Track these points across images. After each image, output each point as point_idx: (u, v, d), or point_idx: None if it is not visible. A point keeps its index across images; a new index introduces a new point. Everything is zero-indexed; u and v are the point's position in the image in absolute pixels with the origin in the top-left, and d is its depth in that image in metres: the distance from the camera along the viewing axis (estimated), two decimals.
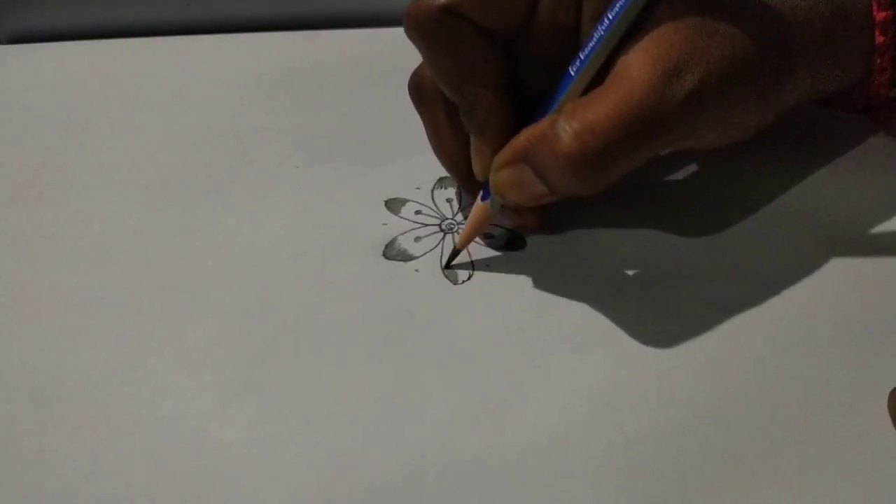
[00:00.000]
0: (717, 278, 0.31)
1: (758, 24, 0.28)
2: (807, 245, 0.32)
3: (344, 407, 0.27)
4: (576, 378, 0.28)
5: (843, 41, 0.30)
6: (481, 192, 0.31)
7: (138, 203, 0.35)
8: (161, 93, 0.41)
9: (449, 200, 0.34)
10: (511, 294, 0.31)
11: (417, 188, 0.35)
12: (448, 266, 0.31)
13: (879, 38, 0.31)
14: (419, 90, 0.32)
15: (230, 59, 0.43)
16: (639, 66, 0.26)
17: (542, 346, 0.29)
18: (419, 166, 0.35)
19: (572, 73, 0.28)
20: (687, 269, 0.31)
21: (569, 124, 0.26)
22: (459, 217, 0.34)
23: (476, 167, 0.31)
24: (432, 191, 0.35)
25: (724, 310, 0.29)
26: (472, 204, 0.31)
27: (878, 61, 0.31)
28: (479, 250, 0.32)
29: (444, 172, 0.34)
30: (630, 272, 0.31)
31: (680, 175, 0.35)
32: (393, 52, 0.41)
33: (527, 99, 0.30)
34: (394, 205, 0.34)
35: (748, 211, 0.33)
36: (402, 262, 0.32)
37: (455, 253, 0.32)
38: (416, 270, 0.32)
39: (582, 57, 0.28)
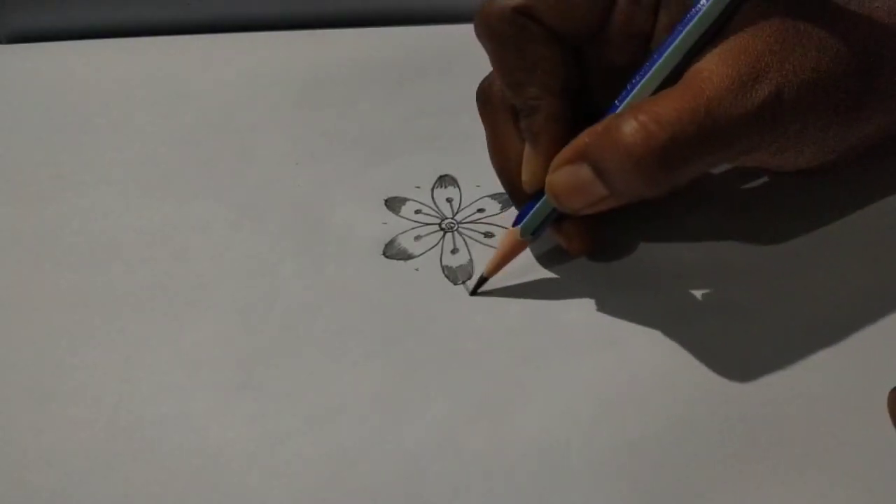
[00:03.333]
0: (717, 279, 0.30)
1: (843, 38, 0.26)
2: (807, 245, 0.31)
3: (344, 406, 0.27)
4: (576, 378, 0.28)
5: None
6: (515, 218, 0.30)
7: (138, 202, 0.35)
8: (161, 92, 0.41)
9: (449, 200, 0.34)
10: (511, 293, 0.31)
11: (417, 187, 0.35)
12: (474, 293, 0.30)
13: None
14: (486, 96, 0.31)
15: (230, 58, 0.43)
16: (713, 70, 0.25)
17: (542, 346, 0.29)
18: (419, 165, 0.35)
19: (641, 76, 0.27)
20: (687, 269, 0.31)
21: (634, 117, 0.25)
22: (459, 216, 0.34)
23: (526, 174, 0.29)
24: (432, 190, 0.35)
25: (724, 310, 0.29)
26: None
27: None
28: (479, 249, 0.32)
29: (443, 171, 0.34)
30: (631, 273, 0.31)
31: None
32: (393, 52, 0.42)
33: (590, 110, 0.29)
34: (394, 204, 0.34)
35: (748, 211, 0.33)
36: (401, 261, 0.32)
37: (482, 280, 0.30)
38: (416, 269, 0.32)
39: (653, 59, 0.27)
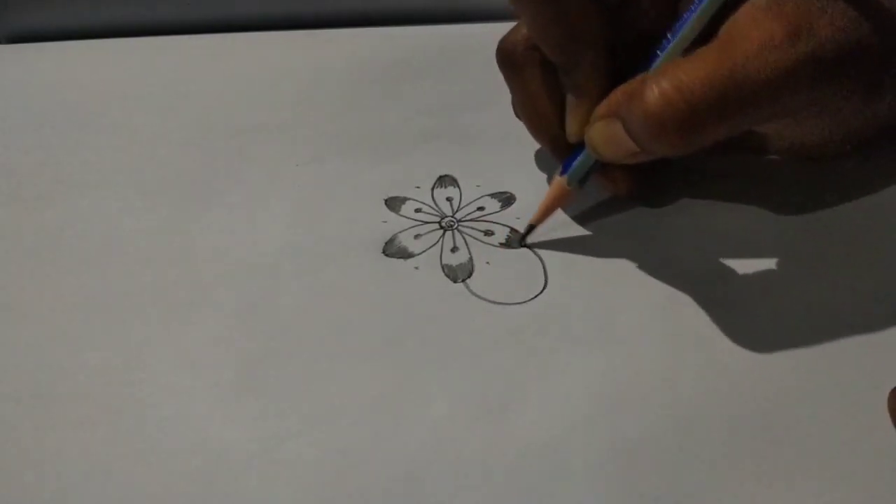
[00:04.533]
0: (717, 278, 0.30)
1: (866, 10, 0.26)
2: (807, 245, 0.31)
3: (344, 406, 0.27)
4: (576, 378, 0.28)
5: None
6: (560, 167, 0.31)
7: (138, 202, 0.35)
8: (161, 92, 0.41)
9: (449, 199, 0.34)
10: (511, 293, 0.31)
11: (417, 187, 0.35)
12: (522, 242, 0.32)
13: None
14: (510, 56, 0.32)
15: (230, 58, 0.43)
16: (742, 32, 0.26)
17: (542, 345, 0.29)
18: (419, 165, 0.35)
19: (671, 36, 0.28)
20: (687, 269, 0.31)
21: (657, 83, 0.26)
22: (459, 214, 0.34)
23: (571, 126, 0.30)
24: (432, 189, 0.35)
25: (724, 310, 0.29)
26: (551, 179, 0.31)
27: None
28: (479, 248, 0.32)
29: (443, 171, 0.34)
30: (631, 272, 0.31)
31: (679, 176, 0.35)
32: (393, 52, 0.42)
33: (625, 70, 0.29)
34: (394, 203, 0.34)
35: (748, 211, 0.33)
36: (401, 260, 0.32)
37: (530, 228, 0.32)
38: (416, 268, 0.32)
39: (683, 18, 0.28)
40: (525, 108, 0.32)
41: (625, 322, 0.29)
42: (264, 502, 0.25)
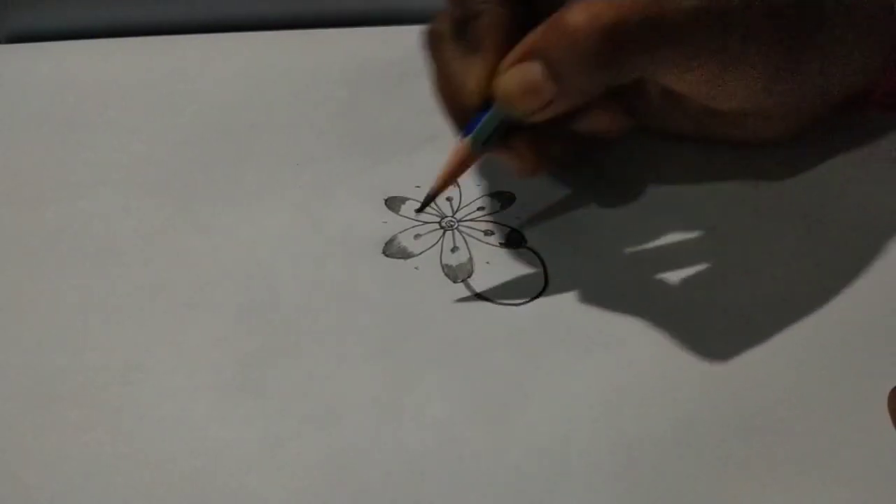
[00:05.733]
0: (717, 279, 0.30)
1: None
2: (806, 245, 0.31)
3: (344, 406, 0.27)
4: (576, 378, 0.28)
5: (881, 31, 0.29)
6: (462, 132, 0.29)
7: (138, 202, 0.35)
8: (160, 92, 0.41)
9: (449, 199, 0.34)
10: (511, 293, 0.30)
11: (417, 186, 0.35)
12: (420, 210, 0.31)
13: None
14: (433, 36, 0.31)
15: (230, 58, 0.43)
16: None
17: (542, 346, 0.29)
18: (419, 164, 0.35)
19: None
20: (687, 269, 0.31)
21: (579, 6, 0.25)
22: (459, 214, 0.34)
23: (471, 82, 0.29)
24: None
25: (724, 310, 0.29)
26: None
27: None
28: (479, 248, 0.32)
29: None
30: (631, 273, 0.31)
31: (680, 176, 0.35)
32: (393, 52, 0.42)
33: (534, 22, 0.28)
34: (394, 203, 0.34)
35: (748, 212, 0.33)
36: (401, 260, 0.32)
37: (429, 197, 0.30)
38: (416, 268, 0.32)
39: None
40: (439, 84, 0.31)
41: (625, 322, 0.29)
42: (264, 502, 0.25)
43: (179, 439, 0.26)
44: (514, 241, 0.32)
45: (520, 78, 0.27)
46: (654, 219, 0.33)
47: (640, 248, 0.32)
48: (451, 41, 0.30)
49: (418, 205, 0.34)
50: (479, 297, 0.30)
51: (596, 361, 0.28)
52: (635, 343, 0.29)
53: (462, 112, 0.30)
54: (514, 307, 0.30)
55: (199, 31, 0.44)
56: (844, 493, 0.24)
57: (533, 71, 0.26)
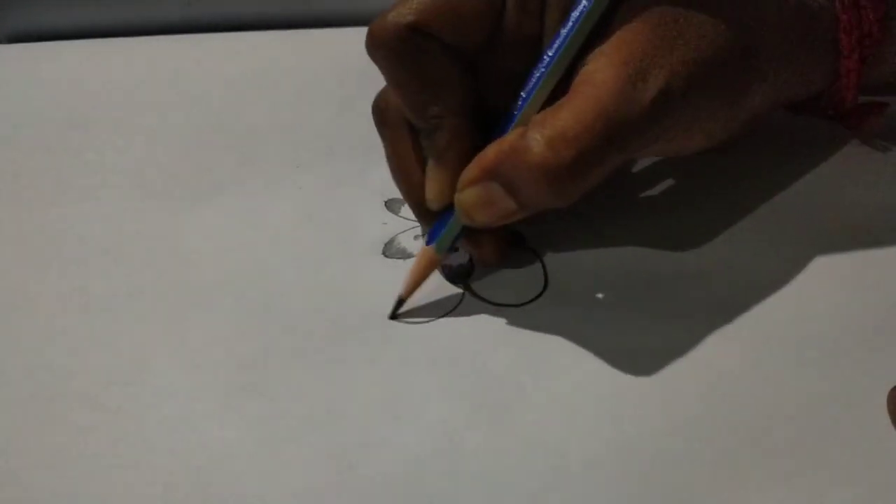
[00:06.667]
0: (716, 279, 0.30)
1: (721, 23, 0.27)
2: (806, 246, 0.31)
3: (344, 407, 0.27)
4: (576, 378, 0.28)
5: (811, 42, 0.30)
6: (427, 237, 0.30)
7: (138, 203, 0.35)
8: (161, 92, 0.41)
9: None
10: (511, 294, 0.31)
11: None
12: (393, 316, 0.30)
13: (844, 40, 0.30)
14: (383, 113, 0.30)
15: (229, 58, 0.43)
16: (602, 71, 0.26)
17: (542, 346, 0.29)
18: None
19: (533, 82, 0.27)
20: (687, 269, 0.31)
21: (539, 133, 0.25)
22: None
23: (431, 192, 0.29)
24: None
25: (724, 311, 0.29)
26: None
27: (844, 63, 0.30)
28: None
29: None
30: (630, 273, 0.31)
31: (679, 178, 0.35)
32: None
33: (488, 118, 0.29)
34: (394, 205, 0.34)
35: (747, 212, 0.33)
36: (401, 261, 0.32)
37: (400, 302, 0.30)
38: None
39: (542, 66, 0.27)
40: (394, 170, 0.31)
41: (624, 322, 0.29)
42: (264, 502, 0.25)
43: (180, 439, 0.26)
44: (513, 241, 0.32)
45: (479, 196, 0.27)
46: (653, 219, 0.33)
47: (639, 248, 0.32)
48: (404, 130, 0.30)
49: None
50: (479, 297, 0.31)
51: (595, 361, 0.28)
52: (635, 343, 0.29)
53: (422, 208, 0.30)
54: (513, 308, 0.30)
55: (199, 31, 0.45)
56: (844, 492, 0.24)
57: (492, 191, 0.26)
